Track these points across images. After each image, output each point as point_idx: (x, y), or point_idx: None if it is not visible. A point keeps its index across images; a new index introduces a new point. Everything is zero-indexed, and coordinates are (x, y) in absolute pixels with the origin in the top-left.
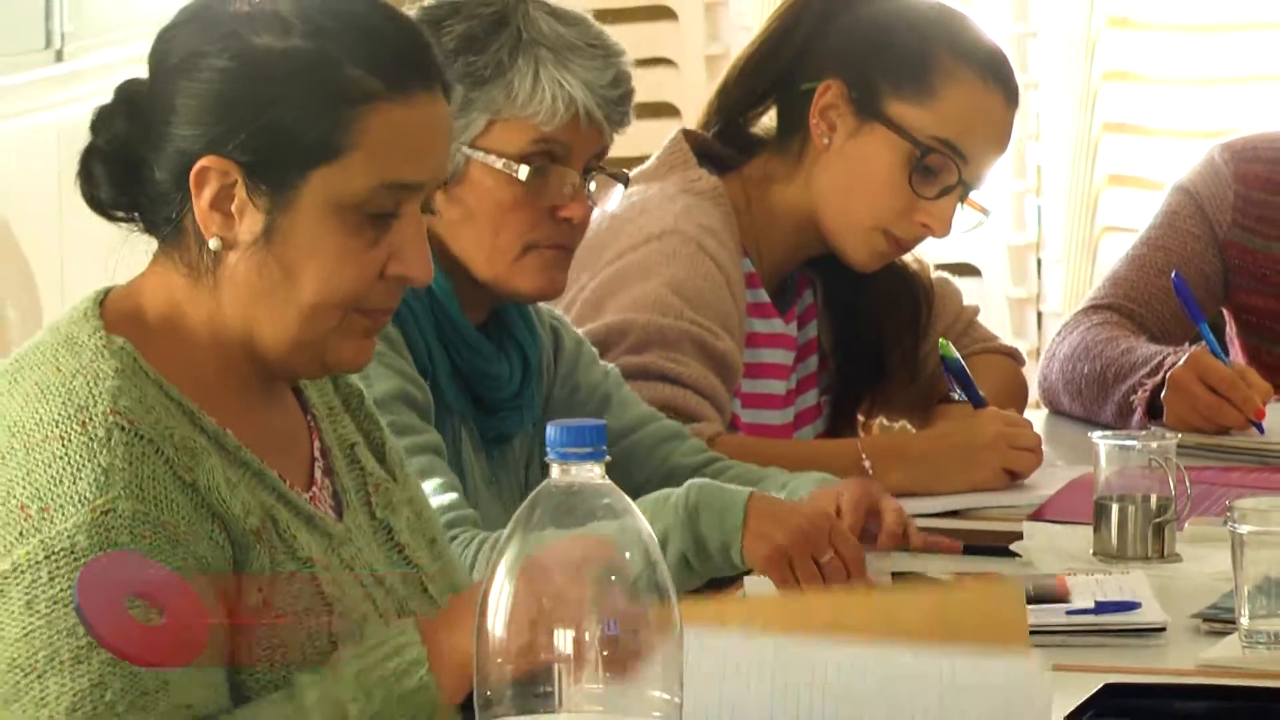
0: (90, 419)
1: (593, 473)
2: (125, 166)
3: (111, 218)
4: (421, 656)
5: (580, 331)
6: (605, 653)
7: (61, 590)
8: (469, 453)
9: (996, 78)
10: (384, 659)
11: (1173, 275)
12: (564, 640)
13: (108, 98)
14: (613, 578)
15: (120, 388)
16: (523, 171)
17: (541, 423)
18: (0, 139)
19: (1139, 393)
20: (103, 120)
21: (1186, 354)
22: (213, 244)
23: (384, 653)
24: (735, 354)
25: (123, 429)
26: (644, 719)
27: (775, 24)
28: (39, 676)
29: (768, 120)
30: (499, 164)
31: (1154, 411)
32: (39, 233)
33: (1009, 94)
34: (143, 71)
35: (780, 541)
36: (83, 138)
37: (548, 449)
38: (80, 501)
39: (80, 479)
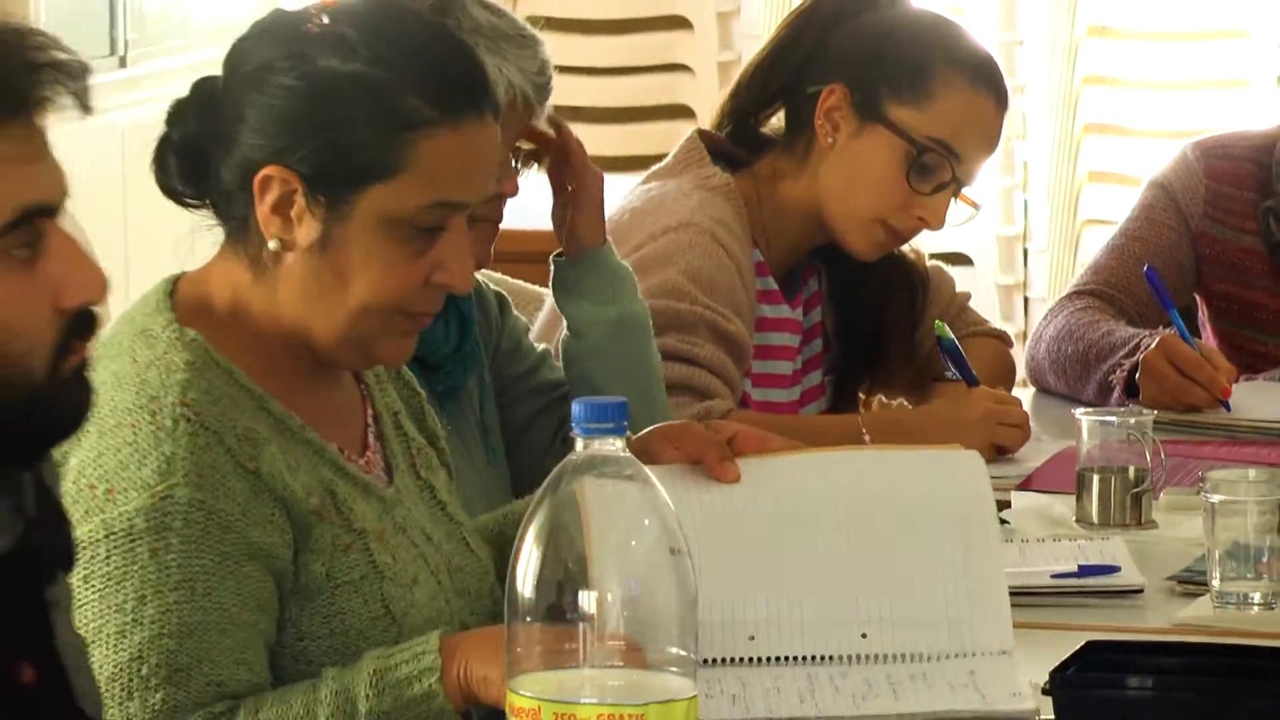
0: (160, 409)
1: (614, 446)
2: (195, 161)
3: (184, 204)
4: (436, 665)
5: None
6: (626, 612)
7: (115, 568)
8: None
9: (987, 83)
10: (401, 662)
11: (1145, 268)
12: (588, 600)
13: (167, 100)
14: (632, 543)
15: (190, 380)
16: None
17: (489, 371)
18: (67, 139)
19: (1117, 373)
20: (177, 114)
21: (1157, 336)
22: (272, 245)
23: (403, 657)
24: (746, 336)
25: (189, 420)
26: (662, 673)
27: (784, 32)
28: (86, 645)
29: (776, 121)
30: None
31: (1131, 390)
32: (104, 227)
33: (999, 98)
34: (197, 76)
35: None
36: (144, 137)
37: (572, 424)
38: (142, 487)
39: (145, 465)
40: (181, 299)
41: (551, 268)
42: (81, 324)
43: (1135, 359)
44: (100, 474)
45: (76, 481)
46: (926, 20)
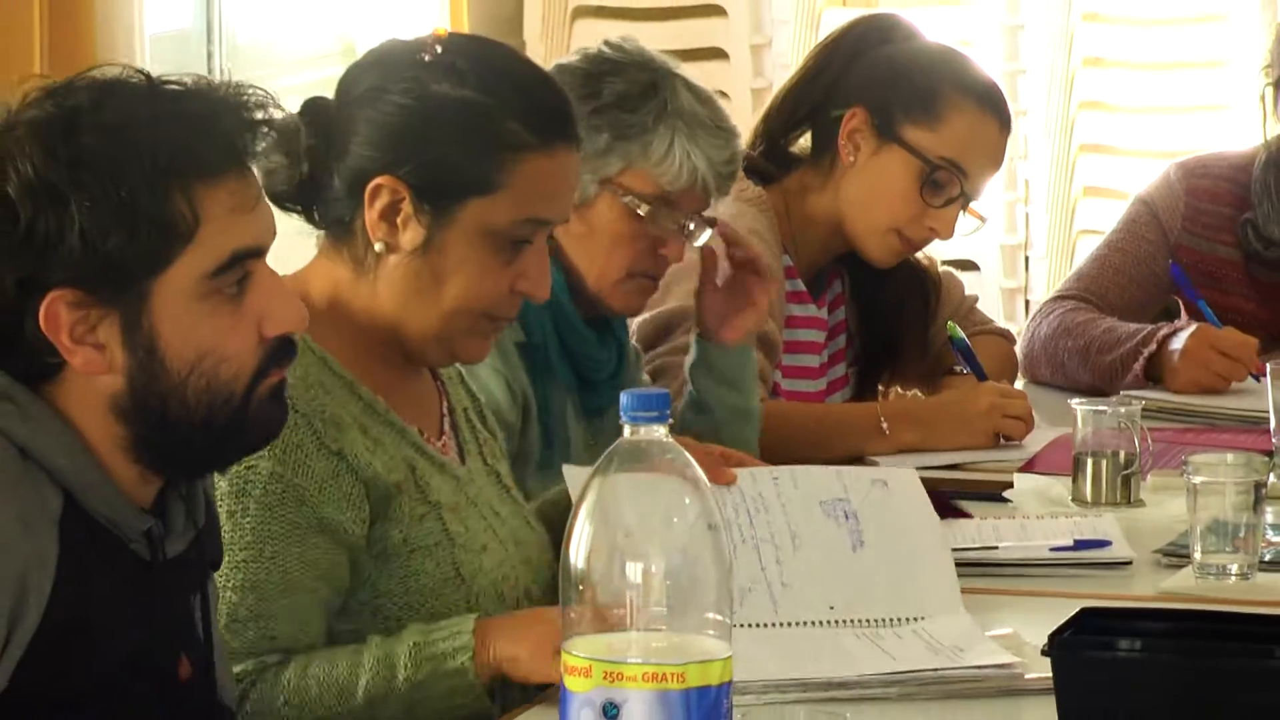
0: None
1: (658, 432)
2: (296, 169)
3: (283, 208)
4: (469, 645)
5: (648, 314)
6: (668, 581)
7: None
8: (572, 420)
9: (993, 107)
10: (440, 639)
11: (1170, 264)
12: (634, 571)
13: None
14: (675, 519)
15: (290, 368)
16: (643, 209)
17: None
18: None
19: (1138, 361)
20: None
21: (1190, 328)
22: (378, 247)
23: (441, 634)
24: (776, 334)
25: None
26: (701, 636)
27: (810, 62)
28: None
29: (803, 141)
30: (625, 200)
31: (1150, 374)
32: None
33: (1003, 121)
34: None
35: None
36: None
37: (621, 413)
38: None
39: None
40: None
41: (695, 346)
42: (280, 351)
43: (1152, 348)
44: None
45: None
46: (937, 51)
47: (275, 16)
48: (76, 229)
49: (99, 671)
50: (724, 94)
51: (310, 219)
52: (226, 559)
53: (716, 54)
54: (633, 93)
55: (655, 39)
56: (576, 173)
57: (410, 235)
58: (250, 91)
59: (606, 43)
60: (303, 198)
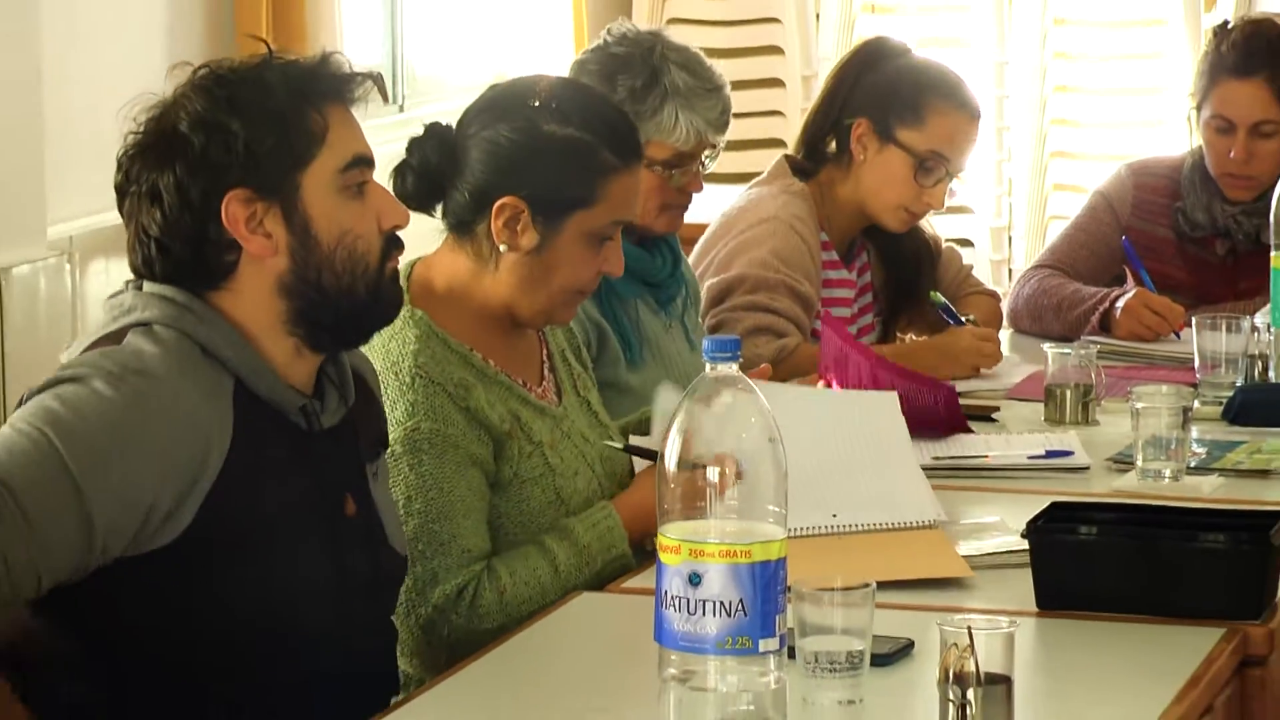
0: (400, 370)
1: (731, 368)
2: (426, 179)
3: (410, 207)
4: (611, 509)
5: (714, 279)
6: (738, 481)
7: (391, 480)
8: (648, 316)
9: (963, 105)
10: (602, 519)
11: (1122, 239)
12: (714, 473)
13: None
14: (743, 435)
15: (419, 349)
16: (660, 171)
17: (688, 289)
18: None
19: (1095, 315)
20: (414, 145)
21: (1132, 291)
22: (502, 248)
23: (594, 517)
24: (813, 294)
25: (420, 377)
26: (763, 522)
27: (829, 85)
28: (397, 508)
29: (832, 145)
30: (652, 169)
31: (1103, 325)
32: None
33: (974, 113)
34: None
35: None
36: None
37: (704, 354)
38: (397, 424)
39: (396, 409)
40: (415, 280)
41: None
42: (393, 241)
43: (1105, 306)
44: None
45: None
46: (920, 67)
47: (444, 54)
48: (241, 142)
49: (268, 513)
50: (780, 81)
51: (429, 213)
52: (419, 500)
53: (773, 50)
54: (639, 85)
55: (719, 37)
56: (642, 182)
57: (527, 239)
58: (343, 58)
59: (610, 35)
60: (423, 202)
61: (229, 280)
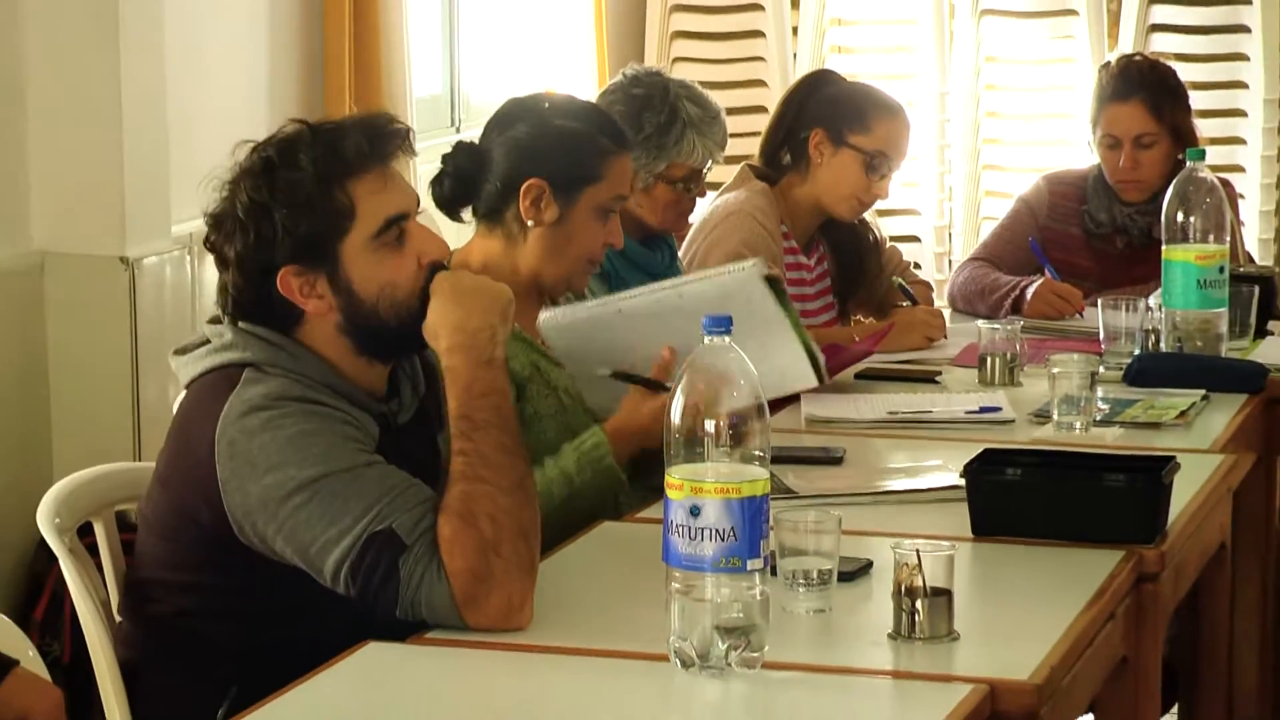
0: None
1: (725, 341)
2: (461, 182)
3: (446, 212)
4: (599, 431)
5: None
6: (729, 431)
7: None
8: None
9: (897, 114)
10: (584, 443)
11: (1030, 241)
12: (709, 424)
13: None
14: (734, 394)
15: None
16: (680, 187)
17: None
18: (423, 178)
19: (1008, 300)
20: (447, 159)
21: (1040, 280)
22: (529, 223)
23: (584, 439)
24: (781, 278)
25: None
26: (751, 464)
27: (779, 109)
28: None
29: (787, 157)
30: (674, 186)
31: (1015, 308)
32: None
33: (907, 123)
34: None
35: None
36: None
37: (702, 329)
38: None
39: None
40: (454, 263)
41: None
42: (434, 270)
43: (1017, 293)
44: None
45: None
46: (860, 87)
47: (493, 82)
48: (283, 228)
49: None
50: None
51: (457, 217)
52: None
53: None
54: (663, 121)
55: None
56: (663, 192)
57: (550, 214)
58: (378, 117)
59: (627, 78)
60: (459, 201)
61: (301, 324)
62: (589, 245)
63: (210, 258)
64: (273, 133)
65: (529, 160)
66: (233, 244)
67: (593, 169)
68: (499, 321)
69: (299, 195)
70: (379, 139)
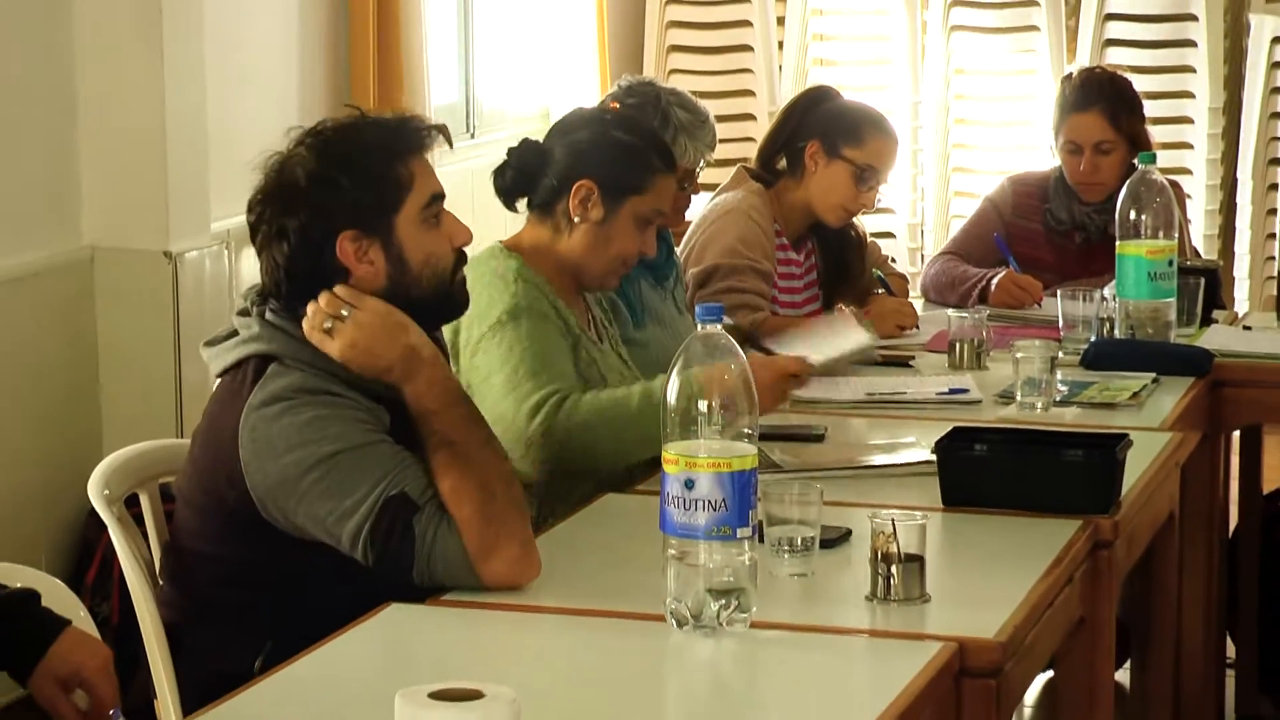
0: (505, 277)
1: (716, 329)
2: (523, 174)
3: (503, 200)
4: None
5: (694, 269)
6: (721, 411)
7: (498, 344)
8: (648, 290)
9: (889, 133)
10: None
11: (994, 236)
12: (702, 404)
13: (498, 154)
14: (725, 376)
15: (517, 275)
16: (676, 186)
17: (677, 270)
18: (448, 179)
19: (975, 291)
20: (512, 151)
21: (1003, 272)
22: (575, 219)
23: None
24: (772, 269)
25: (522, 279)
26: (740, 441)
27: (780, 118)
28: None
29: (783, 163)
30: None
31: (981, 298)
32: (463, 215)
33: (895, 140)
34: (510, 144)
35: None
36: (484, 176)
37: (696, 318)
38: (497, 305)
39: (499, 304)
40: (508, 243)
41: None
42: (461, 256)
43: (983, 284)
44: (474, 312)
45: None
46: (856, 105)
47: (503, 92)
48: (348, 194)
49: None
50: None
51: (513, 206)
52: (519, 348)
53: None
54: (667, 132)
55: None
56: (674, 186)
57: (595, 213)
58: (417, 118)
59: (622, 88)
60: (516, 191)
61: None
62: (625, 248)
63: (248, 252)
64: (321, 119)
65: (584, 163)
66: (294, 214)
67: (639, 181)
68: (410, 340)
69: (365, 164)
70: (423, 131)
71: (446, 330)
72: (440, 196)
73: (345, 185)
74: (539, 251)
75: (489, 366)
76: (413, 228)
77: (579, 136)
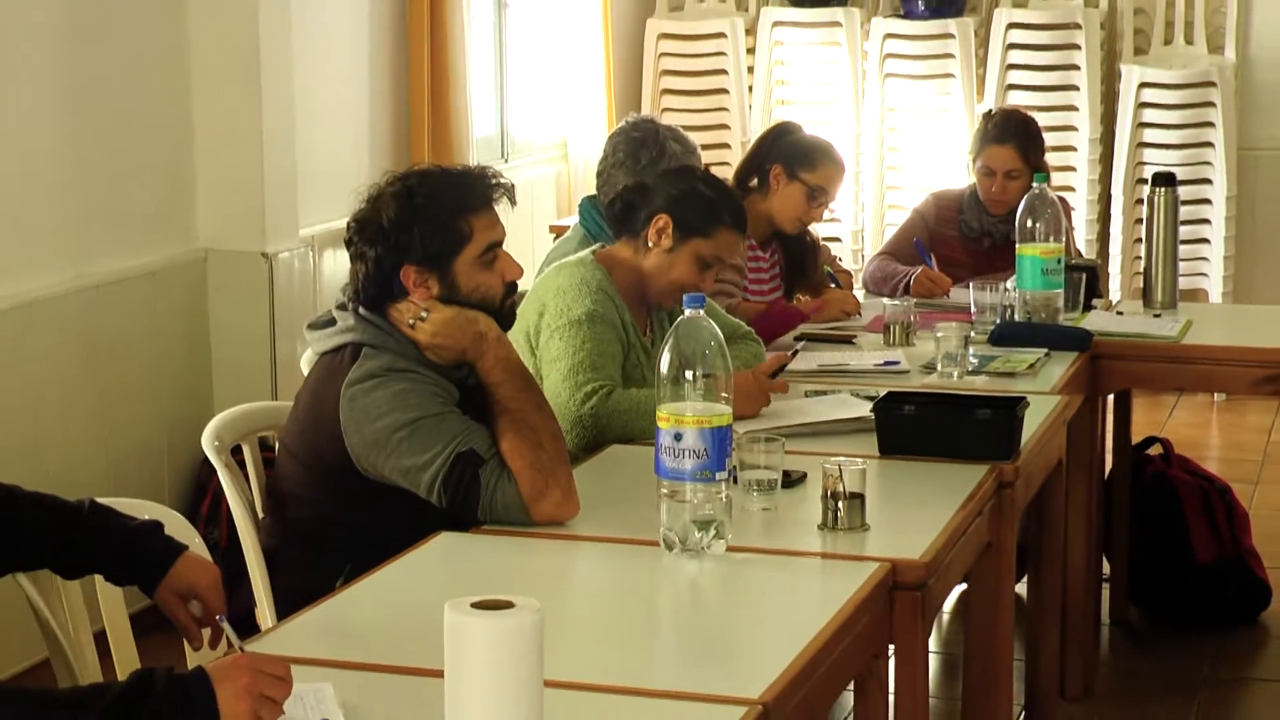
0: (590, 285)
1: (699, 312)
2: (630, 207)
3: (612, 229)
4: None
5: None
6: (704, 380)
7: (565, 341)
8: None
9: (838, 162)
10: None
11: (914, 241)
12: (689, 374)
13: (531, 179)
14: (705, 351)
15: (599, 285)
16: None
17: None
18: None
19: (902, 284)
20: (625, 189)
21: (920, 269)
22: (649, 244)
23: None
24: (743, 264)
25: (603, 292)
26: (718, 403)
27: (754, 146)
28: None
29: (755, 182)
30: None
31: (907, 290)
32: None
33: (843, 167)
34: (524, 174)
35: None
36: (520, 197)
37: (682, 303)
38: (574, 307)
39: (578, 305)
40: (598, 255)
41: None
42: (512, 287)
43: (907, 279)
44: (560, 305)
45: (559, 315)
46: (812, 139)
47: (529, 125)
48: (419, 240)
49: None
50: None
51: (618, 232)
52: (585, 346)
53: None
54: (655, 155)
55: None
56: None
57: (666, 243)
58: (487, 169)
59: (628, 124)
60: (622, 221)
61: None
62: (683, 278)
63: (329, 254)
64: (411, 168)
65: (670, 204)
66: (374, 247)
67: (708, 228)
68: (479, 328)
69: (436, 216)
70: (493, 188)
71: (532, 307)
72: (497, 244)
73: (416, 233)
74: (620, 264)
75: (558, 352)
76: (468, 268)
77: (671, 185)
